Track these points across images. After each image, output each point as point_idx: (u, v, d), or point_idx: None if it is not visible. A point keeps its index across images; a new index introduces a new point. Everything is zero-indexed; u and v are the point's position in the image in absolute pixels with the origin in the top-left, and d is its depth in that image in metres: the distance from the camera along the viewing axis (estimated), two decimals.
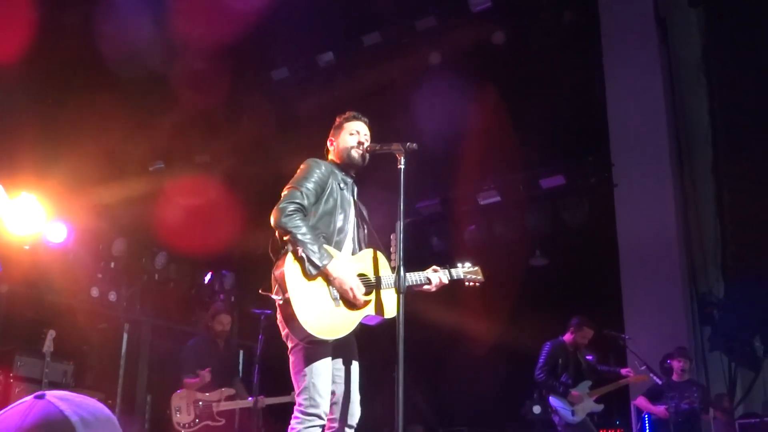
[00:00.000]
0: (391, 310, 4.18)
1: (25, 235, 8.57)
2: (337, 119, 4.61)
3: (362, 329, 4.29)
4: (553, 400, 8.37)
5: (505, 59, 10.57)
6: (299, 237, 3.99)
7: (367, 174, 4.60)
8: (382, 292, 4.20)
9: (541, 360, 8.50)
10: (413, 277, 4.30)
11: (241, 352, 11.10)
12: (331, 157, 4.56)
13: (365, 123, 4.59)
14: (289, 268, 4.00)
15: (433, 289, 4.39)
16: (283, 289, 3.97)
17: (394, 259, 4.06)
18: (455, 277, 4.53)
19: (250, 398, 7.99)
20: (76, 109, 9.45)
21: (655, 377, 8.46)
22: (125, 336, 9.87)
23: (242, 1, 9.80)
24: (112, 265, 9.88)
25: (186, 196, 10.66)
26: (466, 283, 4.59)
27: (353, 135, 4.50)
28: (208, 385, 7.82)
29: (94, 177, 9.39)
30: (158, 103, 10.59)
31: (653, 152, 9.98)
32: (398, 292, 3.93)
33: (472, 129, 10.46)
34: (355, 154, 4.45)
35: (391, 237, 4.12)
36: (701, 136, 10.19)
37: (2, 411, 1.77)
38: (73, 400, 1.79)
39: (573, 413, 8.25)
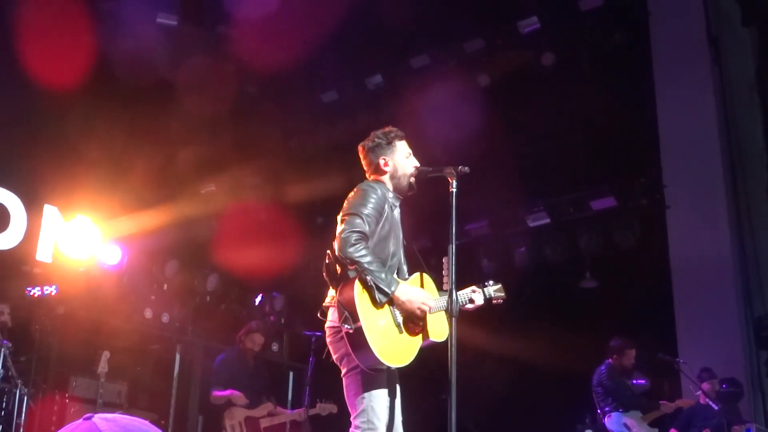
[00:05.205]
0: (439, 333, 4.14)
1: (80, 258, 8.75)
2: (385, 138, 4.41)
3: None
4: (610, 424, 8.26)
5: (555, 80, 10.54)
6: (366, 266, 3.92)
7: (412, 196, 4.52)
8: (432, 315, 4.15)
9: (607, 382, 8.43)
10: (461, 298, 4.26)
11: (291, 373, 11.16)
12: (383, 178, 4.40)
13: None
14: (359, 296, 3.92)
15: (472, 309, 4.35)
16: (354, 318, 3.88)
17: (446, 282, 4.04)
18: (487, 297, 4.48)
19: (289, 411, 8.38)
20: (130, 133, 9.63)
21: (710, 402, 8.29)
22: (177, 357, 9.98)
23: (294, 25, 9.94)
24: (165, 287, 10.02)
25: (237, 219, 10.78)
26: (494, 302, 4.52)
27: (409, 158, 4.42)
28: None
29: (147, 200, 9.55)
30: (210, 125, 10.75)
31: (706, 173, 9.84)
32: (451, 315, 3.91)
33: (521, 150, 10.44)
34: (413, 180, 4.37)
35: (443, 260, 4.09)
36: (755, 156, 10.03)
37: None
38: (118, 422, 1.84)
39: None
